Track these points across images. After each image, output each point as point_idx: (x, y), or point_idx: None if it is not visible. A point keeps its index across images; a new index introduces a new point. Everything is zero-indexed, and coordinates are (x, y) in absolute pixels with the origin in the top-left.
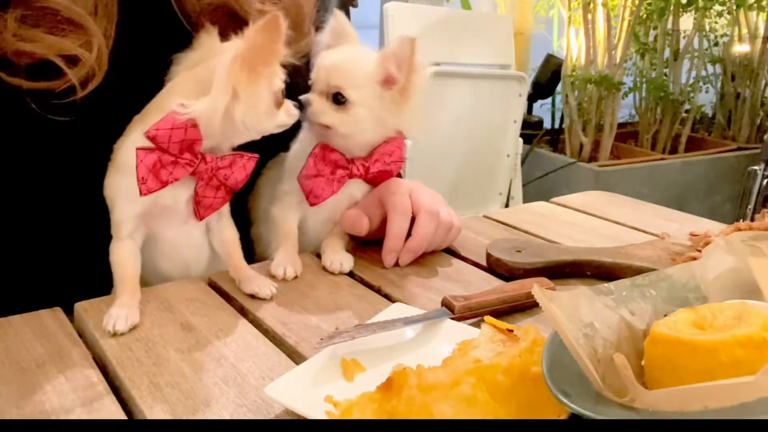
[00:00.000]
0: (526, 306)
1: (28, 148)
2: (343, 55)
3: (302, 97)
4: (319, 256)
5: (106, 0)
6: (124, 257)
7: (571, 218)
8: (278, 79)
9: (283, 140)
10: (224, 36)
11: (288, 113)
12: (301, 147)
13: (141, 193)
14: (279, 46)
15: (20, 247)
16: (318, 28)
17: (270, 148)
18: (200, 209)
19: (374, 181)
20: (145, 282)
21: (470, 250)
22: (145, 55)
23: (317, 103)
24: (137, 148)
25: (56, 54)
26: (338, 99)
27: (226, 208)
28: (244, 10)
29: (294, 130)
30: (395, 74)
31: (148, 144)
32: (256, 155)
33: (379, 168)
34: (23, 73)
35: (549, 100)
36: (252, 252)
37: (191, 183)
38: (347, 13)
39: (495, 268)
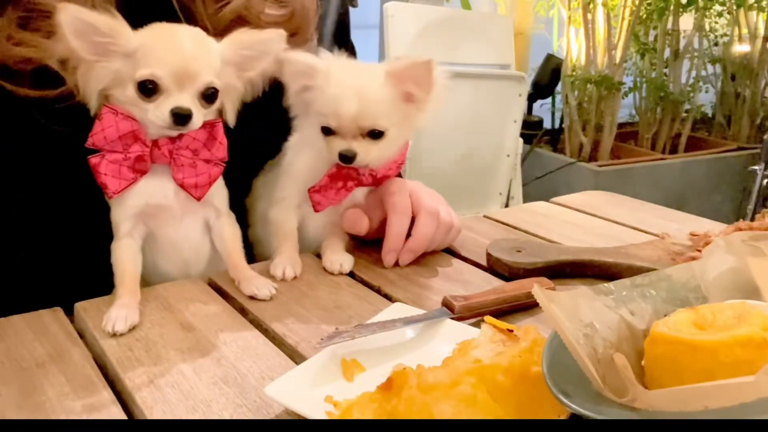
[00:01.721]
0: (526, 306)
1: (28, 151)
2: (355, 91)
3: (343, 151)
4: (319, 256)
5: (105, 5)
6: (124, 257)
7: (571, 218)
8: (137, 73)
9: (280, 141)
10: None
11: (156, 114)
12: (303, 157)
13: (108, 197)
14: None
15: (21, 247)
16: (319, 33)
17: (267, 149)
18: (190, 190)
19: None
20: (145, 281)
21: (470, 250)
22: None
23: (359, 148)
24: (88, 158)
25: (52, 58)
26: (375, 134)
27: (224, 206)
28: (254, 17)
29: (288, 131)
30: (417, 94)
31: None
32: (219, 120)
33: (384, 173)
34: (26, 81)
35: (549, 100)
36: (251, 253)
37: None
38: (347, 13)
39: (495, 268)
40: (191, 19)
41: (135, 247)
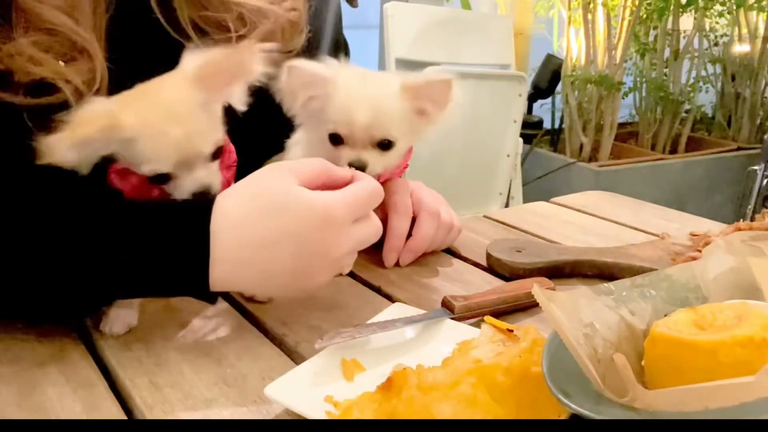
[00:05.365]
0: (526, 306)
1: (25, 158)
2: (370, 101)
3: (354, 161)
4: None
5: (98, 19)
6: None
7: (571, 218)
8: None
9: (280, 139)
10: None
11: None
12: (304, 153)
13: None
14: None
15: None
16: (317, 33)
17: (266, 145)
18: None
19: None
20: None
21: (470, 250)
22: (136, 69)
23: (370, 158)
24: (111, 171)
25: (61, 79)
26: (385, 145)
27: None
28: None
29: (289, 128)
30: (432, 111)
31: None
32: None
33: (387, 177)
34: (22, 90)
35: (549, 100)
36: None
37: None
38: (339, 8)
39: (495, 268)
40: (174, 24)
41: None
